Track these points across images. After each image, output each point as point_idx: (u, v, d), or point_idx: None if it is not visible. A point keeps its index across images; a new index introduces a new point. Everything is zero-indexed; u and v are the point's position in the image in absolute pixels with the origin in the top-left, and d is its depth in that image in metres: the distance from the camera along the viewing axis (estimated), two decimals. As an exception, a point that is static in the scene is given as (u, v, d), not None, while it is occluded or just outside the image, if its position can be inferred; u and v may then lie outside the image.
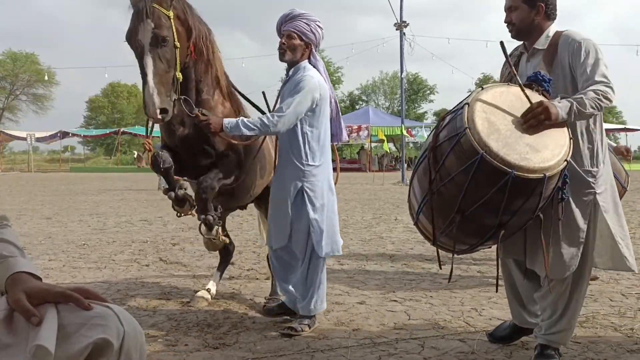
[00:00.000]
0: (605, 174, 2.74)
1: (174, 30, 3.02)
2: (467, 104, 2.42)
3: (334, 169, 3.66)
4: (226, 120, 3.10)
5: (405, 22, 22.10)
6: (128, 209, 10.96)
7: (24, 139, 37.53)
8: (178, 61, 3.04)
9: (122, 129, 40.37)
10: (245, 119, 3.14)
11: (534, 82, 2.61)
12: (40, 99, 53.63)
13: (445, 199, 2.47)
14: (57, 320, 1.28)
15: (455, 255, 2.64)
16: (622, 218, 2.77)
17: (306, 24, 3.30)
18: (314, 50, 3.40)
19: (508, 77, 2.86)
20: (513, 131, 2.39)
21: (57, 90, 58.57)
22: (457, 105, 2.58)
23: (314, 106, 3.26)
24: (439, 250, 2.78)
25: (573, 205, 2.63)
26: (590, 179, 2.66)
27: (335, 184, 3.55)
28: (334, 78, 47.11)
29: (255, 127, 3.12)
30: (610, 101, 2.51)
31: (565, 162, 2.38)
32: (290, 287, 3.50)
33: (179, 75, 3.06)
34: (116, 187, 19.12)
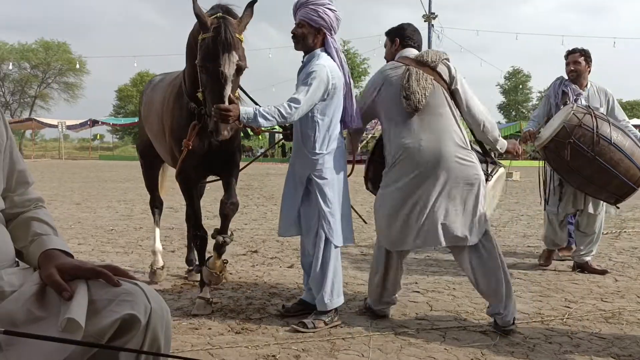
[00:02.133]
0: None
1: None
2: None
3: (349, 161, 3.57)
4: (242, 110, 2.96)
5: (434, 13, 21.89)
6: (155, 197, 11.06)
7: (55, 126, 38.28)
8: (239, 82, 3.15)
9: (150, 118, 40.87)
10: (261, 109, 3.01)
11: None
12: (71, 87, 54.44)
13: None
14: (88, 296, 1.32)
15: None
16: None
17: (313, 9, 3.19)
18: (328, 35, 3.26)
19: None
20: None
21: (87, 79, 59.61)
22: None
23: (326, 95, 3.19)
24: None
25: None
26: None
27: (349, 175, 3.48)
28: (360, 70, 46.74)
29: (272, 119, 3.01)
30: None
31: None
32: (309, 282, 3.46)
33: (237, 94, 3.13)
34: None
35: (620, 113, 4.81)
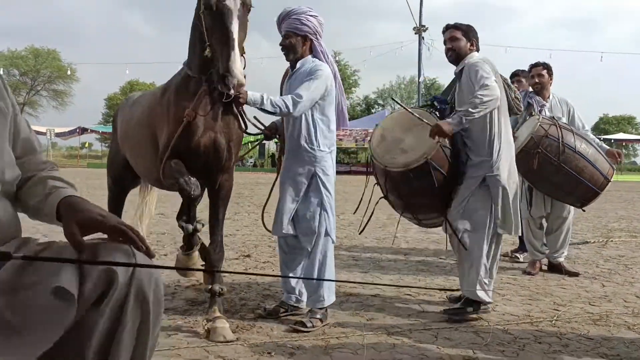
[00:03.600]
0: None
1: None
2: (377, 124, 3.56)
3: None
4: (250, 93, 3.00)
5: (424, 26, 22.12)
6: (145, 203, 11.04)
7: (44, 134, 38.01)
8: (247, 32, 2.94)
9: (139, 127, 40.75)
10: (270, 96, 3.07)
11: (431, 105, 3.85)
12: (61, 94, 54.27)
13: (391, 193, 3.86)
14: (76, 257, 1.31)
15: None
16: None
17: (296, 19, 3.30)
18: (314, 40, 3.37)
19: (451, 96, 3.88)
20: (394, 141, 3.65)
21: (76, 87, 59.32)
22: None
23: (325, 94, 3.30)
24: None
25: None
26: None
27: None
28: (351, 81, 47.07)
29: (277, 107, 3.07)
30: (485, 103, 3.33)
31: (425, 159, 3.46)
32: (293, 283, 3.47)
33: (244, 49, 2.90)
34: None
35: (580, 122, 5.08)
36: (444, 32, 3.77)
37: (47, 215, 1.46)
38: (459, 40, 3.67)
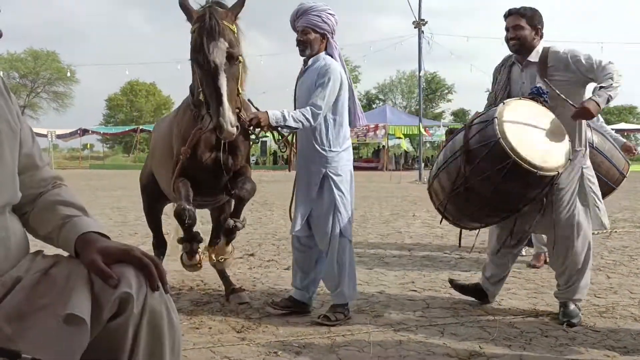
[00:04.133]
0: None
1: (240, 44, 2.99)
2: (496, 117, 3.05)
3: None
4: (271, 113, 3.08)
5: (423, 20, 22.01)
6: (148, 204, 11.02)
7: (45, 136, 38.00)
8: (241, 75, 3.01)
9: (140, 127, 40.77)
10: (289, 112, 3.13)
11: (536, 95, 3.25)
12: (61, 96, 54.32)
13: (475, 191, 3.16)
14: (90, 286, 1.28)
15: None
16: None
17: (317, 15, 3.30)
18: (330, 38, 3.40)
19: (504, 86, 3.54)
20: (533, 139, 3.09)
21: (76, 88, 59.43)
22: (481, 116, 3.28)
23: (338, 95, 3.31)
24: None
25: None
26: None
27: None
28: (352, 77, 46.94)
29: (299, 121, 3.13)
30: (621, 76, 3.11)
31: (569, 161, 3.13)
32: (306, 282, 3.49)
33: (242, 89, 3.05)
34: (135, 183, 19.27)
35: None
36: (505, 17, 3.45)
37: (61, 247, 1.44)
38: (523, 29, 3.37)
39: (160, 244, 4.31)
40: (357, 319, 3.38)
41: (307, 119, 3.16)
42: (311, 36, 3.33)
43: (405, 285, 4.23)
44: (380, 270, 4.86)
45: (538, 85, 3.29)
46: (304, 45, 3.36)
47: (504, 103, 3.19)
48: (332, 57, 3.39)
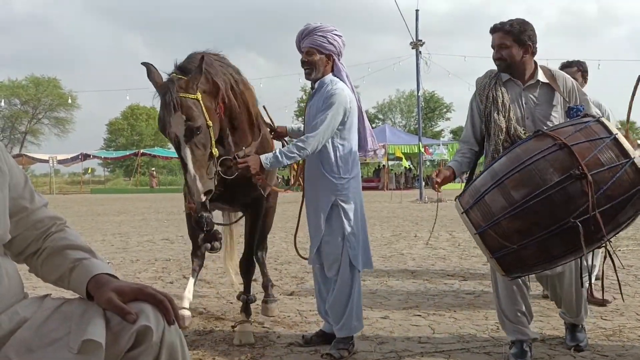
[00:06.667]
0: None
1: (205, 111, 2.91)
2: (615, 136, 2.56)
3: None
4: (263, 157, 3.06)
5: (421, 40, 22.19)
6: (149, 229, 11.06)
7: (46, 161, 38.16)
8: (213, 138, 2.97)
9: (141, 151, 40.96)
10: (281, 150, 3.12)
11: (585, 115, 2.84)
12: (62, 122, 54.68)
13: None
14: (104, 316, 1.32)
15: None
16: None
17: (322, 36, 3.22)
18: (336, 60, 3.31)
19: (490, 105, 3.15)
20: None
21: (78, 114, 59.71)
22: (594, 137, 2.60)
23: (345, 119, 3.22)
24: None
25: None
26: None
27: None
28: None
29: (293, 155, 3.10)
30: None
31: None
32: (324, 312, 3.42)
33: (215, 151, 3.01)
34: (137, 208, 19.32)
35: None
36: (491, 32, 3.15)
37: (72, 289, 1.48)
38: (509, 47, 3.06)
39: (197, 252, 4.06)
40: (361, 346, 3.34)
41: (301, 148, 3.09)
42: (316, 57, 3.24)
43: (409, 311, 4.20)
44: (384, 294, 4.83)
45: (580, 105, 2.99)
46: (309, 67, 3.27)
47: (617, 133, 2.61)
48: (340, 78, 3.31)
